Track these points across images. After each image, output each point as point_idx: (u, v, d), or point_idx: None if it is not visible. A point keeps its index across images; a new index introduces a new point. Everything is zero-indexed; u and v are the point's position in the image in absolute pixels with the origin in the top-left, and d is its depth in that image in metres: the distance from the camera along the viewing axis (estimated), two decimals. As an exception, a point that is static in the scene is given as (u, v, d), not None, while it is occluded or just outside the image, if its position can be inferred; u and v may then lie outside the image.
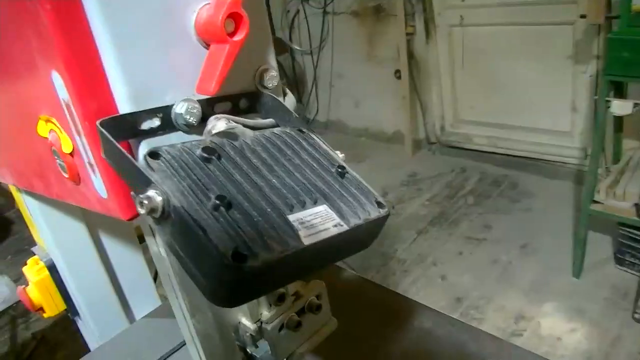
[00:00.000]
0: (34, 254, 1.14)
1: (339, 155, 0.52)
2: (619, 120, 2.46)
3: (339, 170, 0.50)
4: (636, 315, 2.12)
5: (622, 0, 1.87)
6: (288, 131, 0.52)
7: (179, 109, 0.48)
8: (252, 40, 0.48)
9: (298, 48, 4.40)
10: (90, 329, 1.17)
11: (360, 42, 3.94)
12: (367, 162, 3.87)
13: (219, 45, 0.47)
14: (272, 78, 0.56)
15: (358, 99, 4.23)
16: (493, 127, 3.45)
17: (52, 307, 1.14)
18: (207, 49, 0.49)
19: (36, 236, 1.13)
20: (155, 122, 0.47)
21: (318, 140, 0.52)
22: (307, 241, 0.41)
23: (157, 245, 0.56)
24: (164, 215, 0.39)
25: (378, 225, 0.48)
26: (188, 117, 0.48)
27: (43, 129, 0.55)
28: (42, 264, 1.10)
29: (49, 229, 1.04)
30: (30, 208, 1.03)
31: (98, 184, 0.50)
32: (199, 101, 0.49)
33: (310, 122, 4.59)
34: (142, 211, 0.38)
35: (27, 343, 2.58)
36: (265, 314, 0.64)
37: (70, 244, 1.07)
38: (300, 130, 0.53)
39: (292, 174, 0.47)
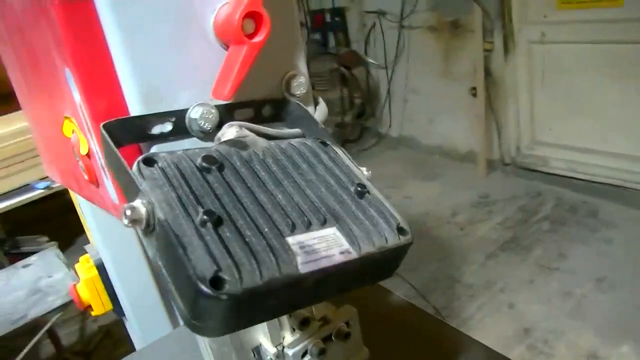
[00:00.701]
0: (87, 252, 1.16)
1: (364, 172, 0.47)
2: None
3: (359, 189, 0.44)
4: None
5: None
6: (308, 143, 0.47)
7: (194, 113, 0.45)
8: (278, 43, 0.44)
9: (373, 62, 4.36)
10: (135, 330, 1.18)
11: (435, 57, 3.84)
12: (438, 181, 3.75)
13: (237, 47, 0.43)
14: (301, 85, 0.52)
15: (432, 116, 4.11)
16: (572, 150, 3.24)
17: (100, 306, 1.15)
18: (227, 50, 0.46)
19: (88, 234, 1.15)
20: (167, 127, 0.45)
21: (341, 154, 0.47)
22: (304, 268, 0.35)
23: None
24: (149, 228, 0.35)
25: (398, 255, 0.42)
26: (202, 122, 0.45)
27: (67, 128, 0.54)
28: (92, 262, 1.12)
29: (98, 228, 1.05)
30: (82, 206, 1.05)
31: (110, 187, 0.49)
32: (217, 107, 0.46)
33: (382, 137, 4.53)
34: (125, 222, 0.34)
35: (94, 335, 2.68)
36: (288, 337, 0.60)
37: (118, 245, 1.08)
38: (323, 143, 0.48)
39: (302, 191, 0.42)
